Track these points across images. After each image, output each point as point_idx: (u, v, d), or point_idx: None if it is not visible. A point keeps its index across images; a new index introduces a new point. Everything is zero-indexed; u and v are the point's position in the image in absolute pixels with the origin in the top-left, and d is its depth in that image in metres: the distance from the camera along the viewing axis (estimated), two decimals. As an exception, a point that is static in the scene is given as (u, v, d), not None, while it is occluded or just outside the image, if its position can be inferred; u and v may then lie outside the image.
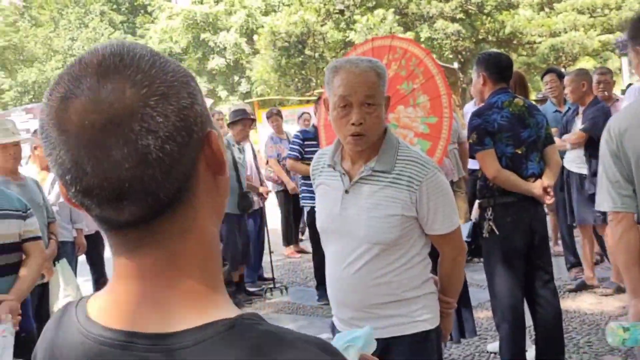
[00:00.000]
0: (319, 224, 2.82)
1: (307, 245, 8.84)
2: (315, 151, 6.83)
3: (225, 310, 0.89)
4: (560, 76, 7.61)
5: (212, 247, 0.95)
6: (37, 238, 3.79)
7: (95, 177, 0.84)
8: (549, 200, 4.36)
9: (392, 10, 25.94)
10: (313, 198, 6.98)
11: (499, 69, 4.44)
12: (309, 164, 7.14)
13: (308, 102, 19.64)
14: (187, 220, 0.91)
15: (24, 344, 3.36)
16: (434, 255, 2.76)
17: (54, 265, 5.10)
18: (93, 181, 0.84)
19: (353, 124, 2.56)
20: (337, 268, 2.71)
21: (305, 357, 0.82)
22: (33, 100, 49.59)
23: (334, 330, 2.87)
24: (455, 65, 23.50)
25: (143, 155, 0.83)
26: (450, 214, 2.66)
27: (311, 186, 6.89)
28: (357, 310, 2.69)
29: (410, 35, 23.31)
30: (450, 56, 25.81)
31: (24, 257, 3.69)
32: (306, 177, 7.26)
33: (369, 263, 2.62)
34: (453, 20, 25.93)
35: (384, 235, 2.58)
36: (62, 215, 6.09)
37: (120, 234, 0.91)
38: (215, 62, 34.20)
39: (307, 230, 8.46)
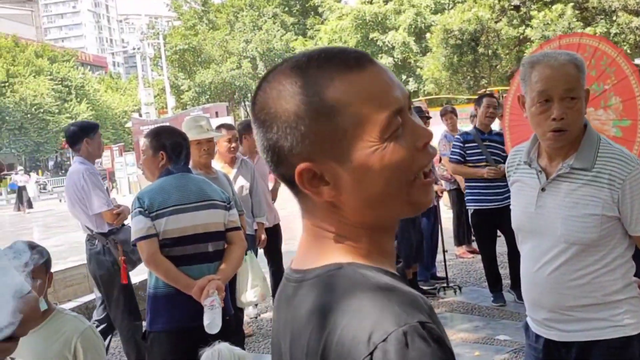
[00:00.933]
0: (514, 223, 2.77)
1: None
2: (476, 153, 6.82)
3: (345, 259, 1.10)
4: None
5: (348, 225, 1.13)
6: (238, 228, 3.99)
7: None
8: None
9: (571, 4, 24.92)
10: (477, 200, 7.01)
11: None
12: (470, 167, 7.14)
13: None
14: (311, 197, 1.13)
15: (226, 327, 3.68)
16: (638, 257, 2.62)
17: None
18: None
19: (554, 119, 2.49)
20: (532, 267, 2.65)
21: (373, 304, 0.98)
22: (209, 100, 51.98)
23: (527, 330, 2.81)
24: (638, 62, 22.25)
25: None
26: None
27: (475, 188, 6.92)
28: (552, 312, 2.61)
29: (589, 30, 22.33)
30: (630, 52, 24.49)
31: (226, 246, 3.91)
32: (470, 179, 7.15)
33: (565, 263, 2.54)
34: (638, 14, 24.54)
35: (583, 235, 2.49)
36: (244, 209, 6.34)
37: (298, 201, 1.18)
38: (384, 61, 34.43)
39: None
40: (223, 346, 2.90)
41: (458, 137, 7.39)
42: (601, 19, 24.99)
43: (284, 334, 1.15)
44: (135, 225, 3.71)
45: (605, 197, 2.47)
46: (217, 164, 6.36)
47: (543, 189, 2.60)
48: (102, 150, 5.80)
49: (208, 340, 3.29)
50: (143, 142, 4.03)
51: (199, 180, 4.00)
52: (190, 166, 5.16)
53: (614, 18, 24.55)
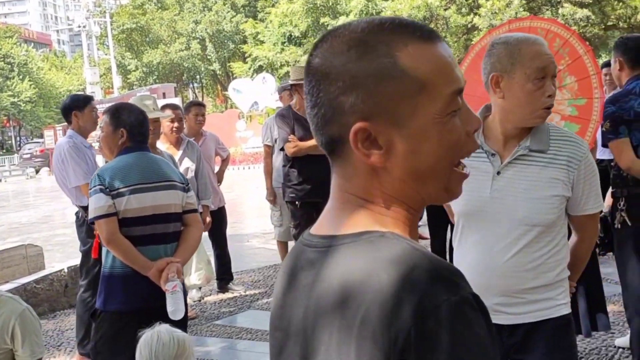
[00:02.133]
0: (462, 209, 2.71)
1: (424, 231, 8.80)
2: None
3: (385, 228, 1.08)
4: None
5: (386, 194, 1.11)
6: (196, 210, 3.94)
7: None
8: (689, 192, 4.14)
9: (518, -6, 25.28)
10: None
11: (637, 52, 4.24)
12: None
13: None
14: (354, 162, 1.11)
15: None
16: None
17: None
18: None
19: (550, 96, 2.54)
20: (486, 254, 2.62)
21: (423, 271, 0.98)
22: (157, 81, 51.40)
23: None
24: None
25: None
26: (599, 193, 2.64)
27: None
28: (503, 296, 2.60)
29: (535, 20, 22.65)
30: (576, 43, 24.93)
31: (182, 227, 3.86)
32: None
33: (526, 246, 2.55)
34: (582, 5, 24.98)
35: (545, 216, 2.53)
36: (189, 191, 6.30)
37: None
38: (334, 46, 34.35)
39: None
40: (163, 328, 2.87)
41: None
42: (547, 9, 25.39)
43: (301, 300, 1.13)
44: (95, 202, 3.60)
45: (563, 178, 2.53)
46: (163, 145, 6.29)
47: (498, 173, 2.59)
48: (96, 124, 5.68)
49: (161, 321, 3.27)
50: (102, 119, 3.94)
51: (159, 160, 3.93)
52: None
53: (559, 9, 24.95)
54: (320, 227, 1.17)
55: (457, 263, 2.73)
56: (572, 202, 2.58)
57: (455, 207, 2.74)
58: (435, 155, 1.09)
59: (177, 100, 25.57)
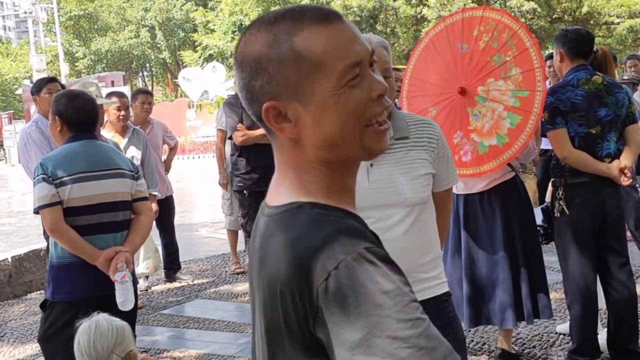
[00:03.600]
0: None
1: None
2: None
3: (306, 197, 1.25)
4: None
5: (309, 162, 1.27)
6: (146, 198, 3.90)
7: None
8: (625, 181, 4.25)
9: (467, -14, 25.52)
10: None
11: (576, 44, 4.34)
12: None
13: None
14: (279, 135, 1.28)
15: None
16: None
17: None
18: None
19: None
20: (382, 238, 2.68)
21: (326, 238, 1.13)
22: (105, 69, 50.59)
23: None
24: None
25: None
26: (454, 167, 2.88)
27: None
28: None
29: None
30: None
31: (132, 216, 3.82)
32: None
33: (412, 225, 2.65)
34: (529, -3, 25.37)
35: (422, 194, 2.67)
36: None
37: None
38: (285, 36, 34.24)
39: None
40: (101, 317, 2.83)
41: None
42: (495, 1, 25.68)
43: (255, 262, 1.30)
44: (39, 192, 3.54)
45: (428, 157, 2.69)
46: (108, 133, 6.22)
47: (372, 165, 2.67)
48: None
49: (111, 310, 3.26)
50: None
51: (107, 147, 3.87)
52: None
53: (508, 1, 25.25)
54: (269, 196, 1.35)
55: None
56: (436, 178, 2.75)
57: None
58: (338, 122, 1.22)
59: (126, 89, 25.20)
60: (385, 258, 1.14)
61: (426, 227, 2.70)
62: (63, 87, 6.07)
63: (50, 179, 3.54)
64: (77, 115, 3.69)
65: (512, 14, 24.64)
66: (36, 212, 3.62)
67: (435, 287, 2.69)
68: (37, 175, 3.57)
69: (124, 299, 3.46)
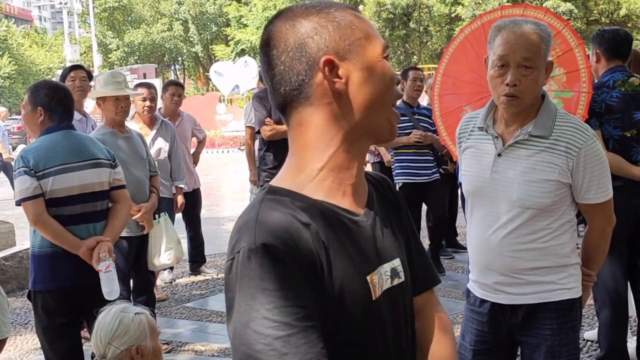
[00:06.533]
0: (466, 188, 2.79)
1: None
2: (404, 127, 6.77)
3: (278, 182, 1.38)
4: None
5: (330, 136, 1.38)
6: (124, 186, 3.96)
7: None
8: (660, 187, 4.13)
9: (501, -15, 25.30)
10: (405, 174, 6.98)
11: (613, 44, 4.23)
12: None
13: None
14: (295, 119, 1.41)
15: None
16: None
17: (155, 218, 5.21)
18: None
19: (507, 85, 2.54)
20: (485, 232, 2.69)
21: (247, 224, 1.28)
22: (138, 61, 50.95)
23: (469, 296, 2.86)
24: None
25: None
26: (605, 183, 2.62)
27: (404, 162, 6.92)
28: (503, 275, 2.67)
29: (518, 12, 22.67)
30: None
31: (110, 204, 3.89)
32: (398, 153, 7.13)
33: (520, 227, 2.60)
34: (566, -1, 25.06)
35: (538, 199, 2.56)
36: (162, 172, 6.20)
37: None
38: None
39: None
40: (118, 306, 2.77)
41: None
42: (532, 1, 25.40)
43: None
44: (21, 185, 3.58)
45: (561, 164, 2.54)
46: (136, 125, 6.21)
47: (499, 155, 2.64)
48: (82, 91, 5.87)
49: (94, 299, 3.41)
50: (25, 97, 3.89)
51: (84, 138, 3.93)
52: (103, 123, 5.05)
53: (543, 1, 24.98)
54: None
55: (467, 239, 2.86)
56: (574, 189, 2.61)
57: (464, 186, 2.82)
58: (380, 86, 1.38)
59: (158, 82, 25.33)
60: (280, 258, 1.21)
61: (544, 234, 2.60)
62: (89, 74, 6.08)
63: (33, 171, 3.58)
64: (61, 106, 3.75)
65: (548, 14, 24.46)
66: (18, 204, 3.65)
67: (551, 293, 2.63)
68: (18, 168, 3.61)
69: (109, 289, 3.55)
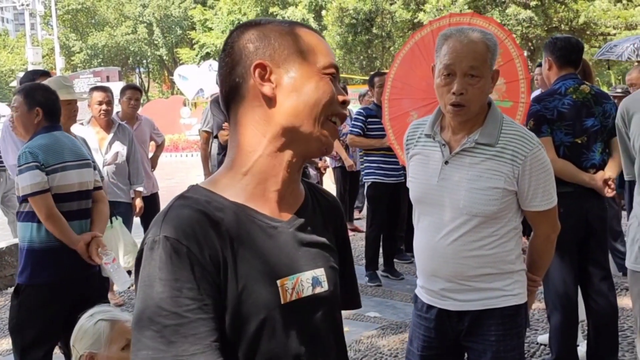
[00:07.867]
0: (413, 195, 2.80)
1: (362, 224, 8.79)
2: (378, 128, 6.85)
3: (208, 184, 1.44)
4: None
5: (257, 139, 1.44)
6: (102, 187, 4.13)
7: None
8: (609, 193, 4.20)
9: (465, -8, 25.52)
10: (374, 174, 7.06)
11: (565, 52, 4.28)
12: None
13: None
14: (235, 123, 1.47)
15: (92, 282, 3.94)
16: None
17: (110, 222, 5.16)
18: None
19: (454, 93, 2.56)
20: (432, 239, 2.70)
21: (163, 217, 1.34)
22: (102, 64, 50.43)
23: (416, 301, 2.87)
24: (525, 53, 23.00)
25: None
26: (550, 190, 2.65)
27: (375, 162, 6.99)
28: (449, 282, 2.68)
29: (480, 19, 22.92)
30: (520, 43, 25.28)
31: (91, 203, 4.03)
32: (369, 154, 7.21)
33: (466, 234, 2.62)
34: (526, 6, 25.38)
35: (485, 207, 2.58)
36: (119, 176, 6.16)
37: None
38: (282, 36, 34.19)
39: (364, 208, 8.37)
40: (94, 309, 2.75)
41: (360, 111, 7.39)
42: (492, 8, 25.69)
43: None
44: (31, 179, 3.67)
45: (507, 171, 2.57)
46: (93, 129, 6.15)
47: (446, 162, 2.65)
48: None
49: (83, 291, 3.68)
50: (15, 98, 3.96)
51: (73, 139, 4.06)
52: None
53: (504, 9, 25.27)
54: None
55: (414, 245, 2.85)
56: (519, 197, 2.63)
57: (411, 192, 2.83)
58: (312, 97, 1.41)
59: (121, 85, 25.08)
60: (178, 251, 1.28)
61: (490, 241, 2.62)
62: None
63: (43, 166, 3.69)
64: (55, 107, 3.90)
65: (509, 21, 24.77)
66: (25, 199, 3.72)
67: (497, 299, 2.65)
68: (28, 163, 3.68)
69: (122, 279, 3.80)
